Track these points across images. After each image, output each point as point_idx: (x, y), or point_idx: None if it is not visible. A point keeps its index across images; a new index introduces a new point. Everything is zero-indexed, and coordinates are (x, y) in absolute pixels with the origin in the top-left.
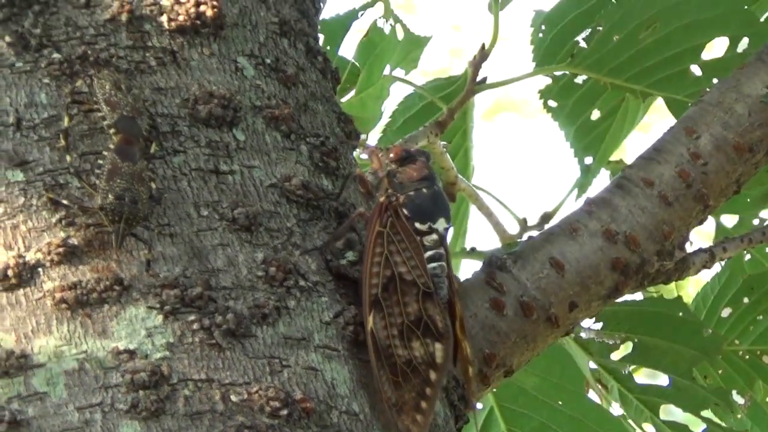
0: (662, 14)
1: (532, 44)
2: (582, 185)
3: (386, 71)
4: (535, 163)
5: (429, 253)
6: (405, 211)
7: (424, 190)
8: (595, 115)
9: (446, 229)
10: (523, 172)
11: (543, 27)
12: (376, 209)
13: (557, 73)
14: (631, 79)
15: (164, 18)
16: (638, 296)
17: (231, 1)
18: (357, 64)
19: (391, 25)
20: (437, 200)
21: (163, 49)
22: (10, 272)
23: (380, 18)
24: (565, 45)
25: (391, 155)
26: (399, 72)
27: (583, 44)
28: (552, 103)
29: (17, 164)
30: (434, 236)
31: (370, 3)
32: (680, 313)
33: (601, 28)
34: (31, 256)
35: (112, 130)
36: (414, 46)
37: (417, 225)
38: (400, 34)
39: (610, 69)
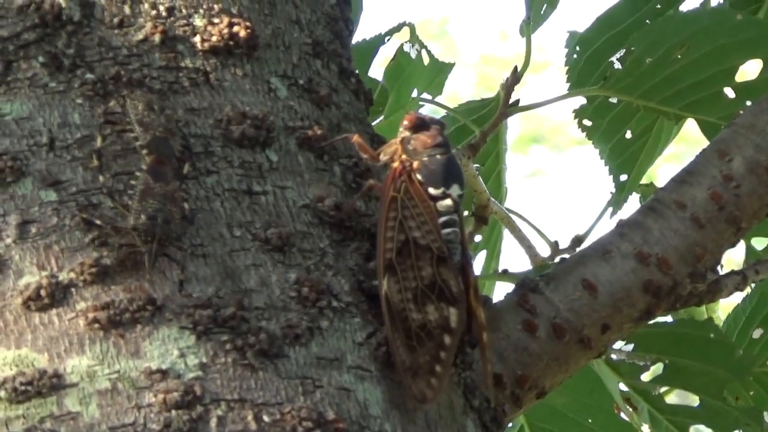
0: (694, 37)
1: (566, 65)
2: (617, 202)
3: (414, 94)
4: (566, 190)
5: (443, 219)
6: (419, 177)
7: (438, 156)
8: (630, 134)
9: (460, 196)
10: (554, 196)
11: (577, 48)
12: (390, 175)
13: None
14: (664, 102)
15: (197, 38)
16: (669, 318)
17: (264, 21)
18: (386, 87)
19: (417, 50)
20: (451, 166)
21: (196, 69)
22: (42, 292)
23: (406, 43)
24: (599, 66)
25: (405, 122)
26: (433, 99)
27: (617, 65)
28: (587, 122)
29: (50, 184)
30: (448, 202)
31: (395, 28)
32: (711, 335)
33: (633, 51)
34: (63, 276)
35: (144, 151)
36: (439, 72)
37: (431, 190)
38: (425, 60)
39: (643, 92)
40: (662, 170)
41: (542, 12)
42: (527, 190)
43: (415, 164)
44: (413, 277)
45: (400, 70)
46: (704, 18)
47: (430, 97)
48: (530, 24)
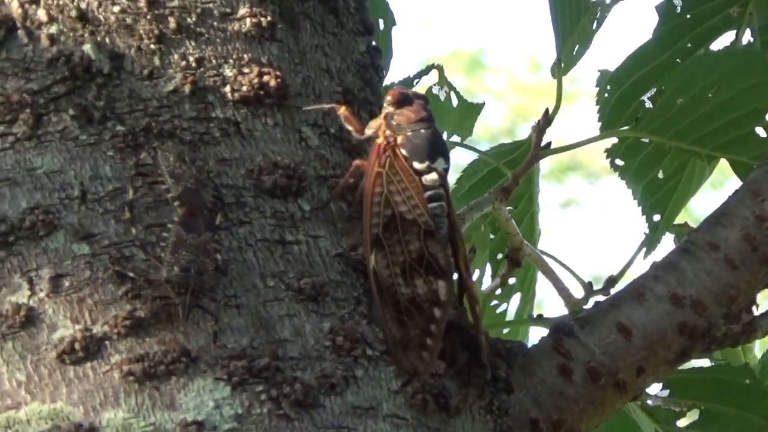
0: (725, 77)
1: (598, 104)
2: (650, 243)
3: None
4: (600, 225)
5: (429, 193)
6: (403, 152)
7: (422, 131)
8: (662, 173)
9: (445, 169)
10: (589, 226)
11: (608, 87)
12: (374, 150)
13: None
14: (696, 143)
15: (228, 89)
16: (705, 363)
17: (294, 71)
18: None
19: (445, 92)
20: (435, 140)
21: (227, 119)
22: (77, 345)
23: (435, 85)
24: (631, 105)
25: (389, 98)
26: (462, 140)
27: (648, 104)
28: (619, 162)
29: (83, 237)
30: (434, 176)
31: (424, 71)
32: (747, 380)
33: (664, 91)
34: (97, 329)
35: (176, 203)
36: (468, 113)
37: (416, 165)
38: (455, 102)
39: (675, 132)
40: (700, 197)
41: (574, 53)
42: (562, 220)
43: (400, 139)
44: (401, 252)
45: None
46: (735, 58)
47: (459, 139)
48: (561, 66)
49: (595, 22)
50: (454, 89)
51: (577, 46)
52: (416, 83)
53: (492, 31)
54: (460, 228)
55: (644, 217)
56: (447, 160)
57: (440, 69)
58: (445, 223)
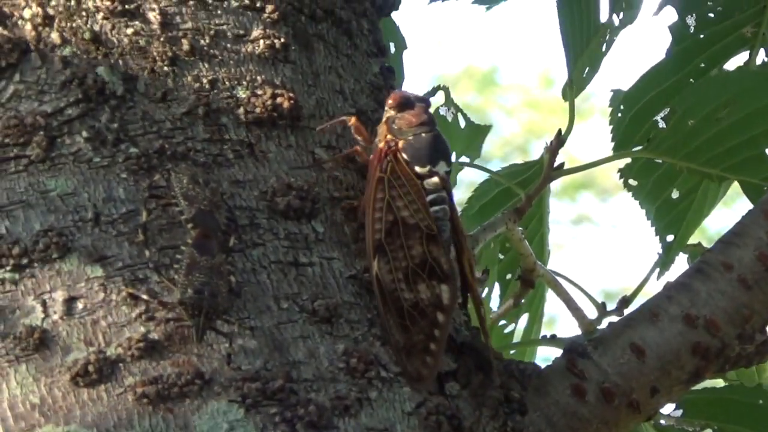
0: (736, 98)
1: (611, 124)
2: (664, 263)
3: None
4: (612, 242)
5: (431, 197)
6: (404, 156)
7: (423, 135)
8: (676, 194)
9: (447, 173)
10: (601, 243)
11: (621, 107)
12: (376, 155)
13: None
14: (707, 164)
15: (241, 110)
16: (719, 383)
17: (308, 92)
18: None
19: (452, 113)
20: (437, 144)
21: (241, 141)
22: (90, 368)
23: (442, 106)
24: (644, 125)
25: (390, 102)
26: (471, 161)
27: (661, 124)
28: (632, 182)
29: (96, 260)
30: (435, 179)
31: (430, 92)
32: (760, 401)
33: (676, 113)
34: (111, 352)
35: (190, 225)
36: (476, 134)
37: (417, 169)
38: (462, 123)
39: (686, 154)
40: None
41: (584, 74)
42: (574, 237)
43: (401, 143)
44: (403, 257)
45: None
46: (746, 78)
47: (468, 160)
48: (573, 87)
49: (604, 44)
50: (461, 110)
51: (588, 68)
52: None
53: (505, 49)
54: (464, 229)
55: (658, 237)
56: (449, 163)
57: (446, 90)
58: (448, 226)
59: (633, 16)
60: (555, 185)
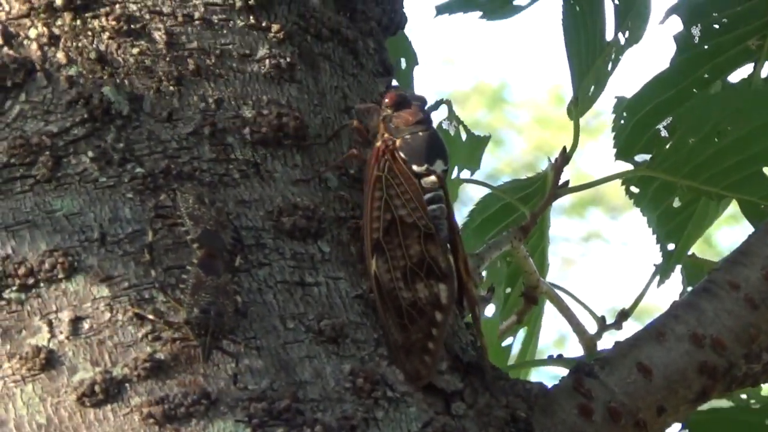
0: (735, 116)
1: (613, 131)
2: (664, 272)
3: (454, 173)
4: (621, 259)
5: (428, 195)
6: (402, 155)
7: (420, 133)
8: (677, 203)
9: (444, 171)
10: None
11: (624, 114)
12: (373, 154)
13: (638, 159)
14: (707, 182)
15: (247, 130)
16: (725, 404)
17: (314, 111)
18: None
19: (455, 126)
20: (434, 142)
21: (246, 161)
22: (97, 388)
23: (444, 120)
24: (646, 133)
25: (386, 100)
26: (472, 173)
27: (664, 133)
28: (634, 189)
29: (102, 280)
30: (433, 178)
31: (433, 106)
32: (767, 421)
33: (677, 131)
34: (117, 372)
35: (195, 245)
36: (476, 145)
37: (414, 168)
38: (463, 136)
39: (687, 172)
40: (720, 233)
41: (590, 93)
42: (583, 254)
43: (398, 142)
44: (401, 256)
45: None
46: (746, 96)
47: (469, 173)
48: (578, 105)
49: (610, 63)
50: (463, 123)
51: (593, 86)
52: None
53: (515, 66)
54: (459, 230)
55: (659, 245)
56: (446, 161)
57: (449, 104)
58: (445, 225)
59: (639, 35)
60: (564, 202)
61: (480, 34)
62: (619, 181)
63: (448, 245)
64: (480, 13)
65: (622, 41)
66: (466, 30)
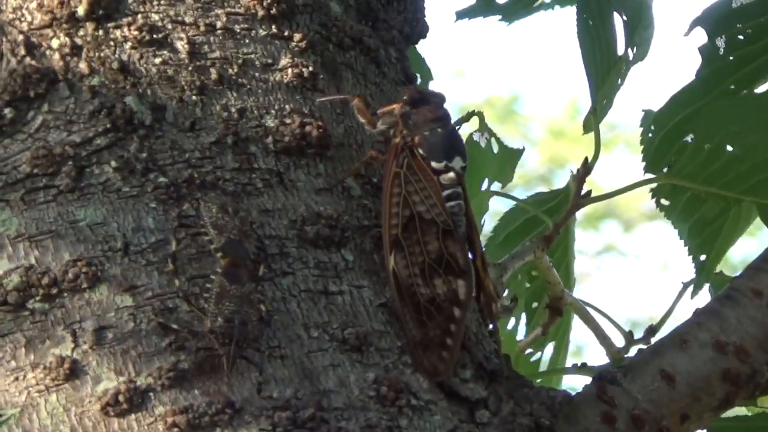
0: (749, 121)
1: (642, 144)
2: (697, 284)
3: (484, 185)
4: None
5: (447, 192)
6: (420, 151)
7: (439, 130)
8: (708, 214)
9: (463, 168)
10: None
11: (652, 128)
12: (392, 150)
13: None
14: (724, 187)
15: (270, 139)
16: (747, 411)
17: (336, 120)
18: None
19: (486, 138)
20: (452, 139)
21: (270, 170)
22: (121, 397)
23: (475, 132)
24: (673, 146)
25: (405, 97)
26: (497, 186)
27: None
28: (664, 202)
29: (126, 289)
30: (451, 174)
31: (464, 117)
32: None
33: (694, 137)
34: (141, 381)
35: (219, 254)
36: (508, 158)
37: (433, 164)
38: (495, 148)
39: (704, 178)
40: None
41: (604, 103)
42: (598, 266)
43: (417, 139)
44: (420, 252)
45: (470, 160)
46: (758, 104)
47: (499, 186)
48: (597, 115)
49: (619, 78)
50: (495, 135)
51: (605, 99)
52: (457, 129)
53: (525, 79)
54: (478, 226)
55: (691, 257)
56: (464, 158)
57: (480, 115)
58: (463, 221)
59: (644, 53)
60: (579, 215)
61: (494, 46)
62: (633, 194)
63: (467, 241)
64: (499, 17)
65: (630, 56)
66: (476, 42)
